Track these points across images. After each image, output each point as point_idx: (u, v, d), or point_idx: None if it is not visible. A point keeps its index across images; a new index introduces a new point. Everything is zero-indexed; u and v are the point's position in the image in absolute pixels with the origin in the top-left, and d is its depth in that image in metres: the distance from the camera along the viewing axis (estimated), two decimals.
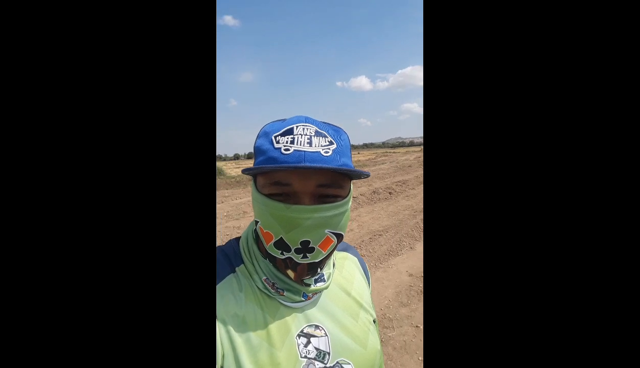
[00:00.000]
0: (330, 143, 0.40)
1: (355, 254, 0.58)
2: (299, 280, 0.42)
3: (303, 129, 0.40)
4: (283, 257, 0.41)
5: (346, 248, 0.57)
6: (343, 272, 0.52)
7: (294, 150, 0.38)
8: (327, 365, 0.41)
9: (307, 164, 0.37)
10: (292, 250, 0.40)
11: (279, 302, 0.43)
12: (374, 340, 0.48)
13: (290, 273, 0.42)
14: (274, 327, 0.41)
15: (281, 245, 0.40)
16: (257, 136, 0.43)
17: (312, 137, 0.39)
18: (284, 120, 0.43)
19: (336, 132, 0.43)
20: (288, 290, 0.43)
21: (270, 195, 0.39)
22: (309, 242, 0.39)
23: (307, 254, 0.40)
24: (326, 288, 0.46)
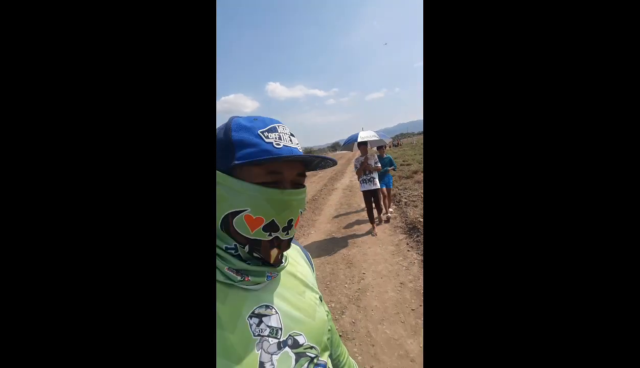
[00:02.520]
0: (297, 142, 0.49)
1: (297, 243, 0.63)
2: (279, 259, 0.47)
3: (283, 128, 0.48)
4: (270, 237, 0.45)
5: None
6: (288, 258, 0.56)
7: (283, 145, 0.45)
8: (281, 339, 0.45)
9: (309, 155, 0.46)
10: (280, 229, 0.45)
11: (228, 288, 0.45)
12: (321, 312, 0.53)
13: (274, 252, 0.46)
14: (223, 311, 0.42)
15: (271, 226, 0.44)
16: (231, 129, 0.46)
17: (290, 136, 0.48)
18: (255, 118, 0.48)
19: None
20: (253, 275, 0.46)
21: (262, 183, 0.44)
22: (292, 220, 0.46)
23: (289, 231, 0.47)
24: (285, 267, 0.51)
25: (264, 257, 0.46)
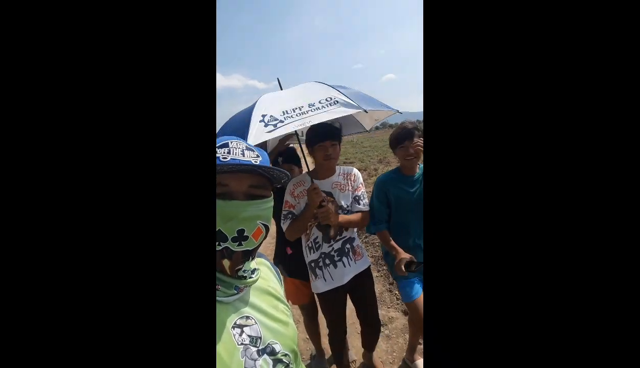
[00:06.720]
0: (257, 156, 0.51)
1: (268, 260, 0.68)
2: (234, 270, 0.49)
3: (236, 143, 0.50)
4: (220, 247, 0.47)
5: (260, 256, 0.67)
6: (261, 273, 0.61)
7: (231, 158, 0.47)
8: (260, 348, 0.49)
9: (244, 163, 0.47)
10: (229, 239, 0.47)
11: None
12: (291, 323, 0.59)
13: (226, 262, 0.48)
14: None
15: (218, 236, 0.46)
16: None
17: (244, 150, 0.50)
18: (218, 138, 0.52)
19: (259, 150, 0.53)
20: (222, 285, 0.48)
21: None
22: (244, 231, 0.47)
23: (242, 242, 0.48)
24: (255, 281, 0.54)
25: (217, 269, 0.48)
